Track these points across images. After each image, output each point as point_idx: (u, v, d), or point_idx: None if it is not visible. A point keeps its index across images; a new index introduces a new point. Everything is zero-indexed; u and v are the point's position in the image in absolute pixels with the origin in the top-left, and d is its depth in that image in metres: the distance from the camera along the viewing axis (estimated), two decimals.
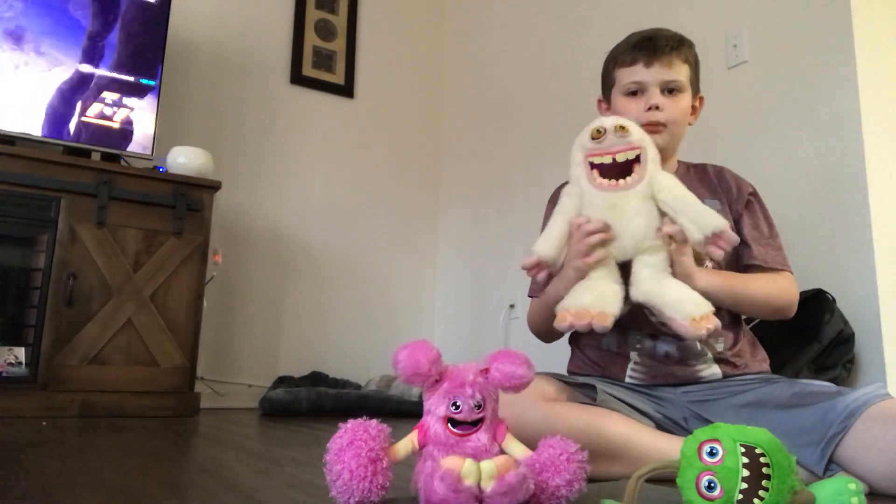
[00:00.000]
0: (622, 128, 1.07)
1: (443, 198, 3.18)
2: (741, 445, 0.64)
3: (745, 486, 0.62)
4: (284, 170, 2.81)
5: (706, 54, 1.91)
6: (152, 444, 1.35)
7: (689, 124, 1.25)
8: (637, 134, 1.08)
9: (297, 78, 2.88)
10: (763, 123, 1.78)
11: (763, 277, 1.17)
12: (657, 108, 1.16)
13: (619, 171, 1.07)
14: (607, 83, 1.27)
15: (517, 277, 2.57)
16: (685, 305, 0.98)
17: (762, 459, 0.63)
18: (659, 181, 1.06)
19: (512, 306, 2.58)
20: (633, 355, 1.17)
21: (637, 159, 1.06)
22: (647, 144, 1.07)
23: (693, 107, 1.24)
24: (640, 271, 1.04)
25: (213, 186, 2.23)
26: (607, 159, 1.07)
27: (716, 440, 0.65)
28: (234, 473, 1.01)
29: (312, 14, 2.96)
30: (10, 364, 1.89)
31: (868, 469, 0.89)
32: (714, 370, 1.14)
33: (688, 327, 0.96)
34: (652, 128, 1.16)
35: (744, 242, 1.19)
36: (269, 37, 2.86)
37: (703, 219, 1.00)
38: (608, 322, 0.99)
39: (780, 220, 1.63)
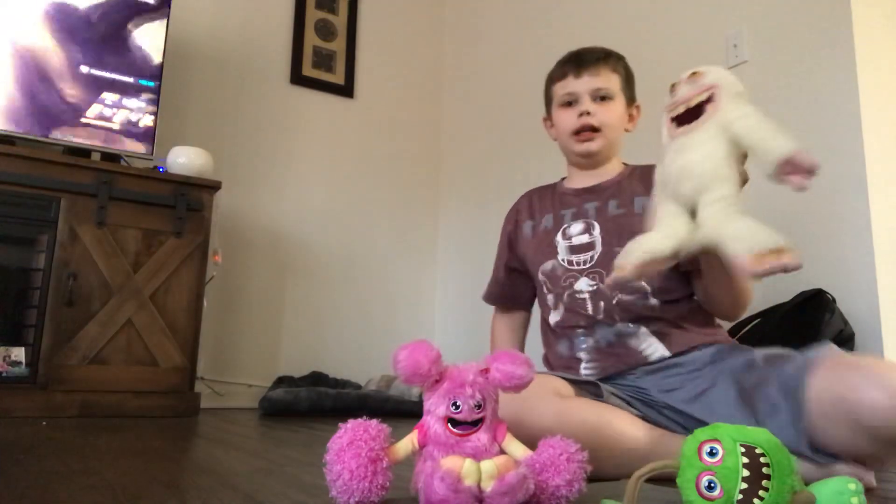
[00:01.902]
0: (695, 73, 1.00)
1: (443, 198, 3.18)
2: (741, 445, 0.64)
3: (745, 486, 0.62)
4: (284, 170, 2.81)
5: (706, 54, 1.92)
6: (152, 444, 1.35)
7: (627, 130, 1.32)
8: (712, 75, 0.99)
9: (297, 78, 2.88)
10: None
11: None
12: (588, 113, 1.24)
13: (693, 116, 0.98)
14: (548, 100, 1.36)
15: None
16: (755, 236, 0.87)
17: (762, 459, 0.63)
18: (730, 111, 0.95)
19: None
20: (582, 354, 1.21)
21: (710, 99, 0.97)
22: (724, 80, 0.98)
23: (630, 115, 1.31)
24: (702, 212, 0.92)
25: (213, 186, 2.23)
26: (681, 108, 1.00)
27: (716, 440, 0.65)
28: (234, 473, 1.01)
29: (312, 14, 2.96)
30: (10, 364, 1.89)
31: (833, 433, 0.90)
32: (657, 347, 1.15)
33: (745, 263, 0.85)
34: (586, 134, 1.25)
35: None
36: (269, 37, 2.86)
37: (767, 145, 0.89)
38: (624, 274, 0.94)
39: (779, 220, 1.63)
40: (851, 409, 0.87)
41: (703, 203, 0.92)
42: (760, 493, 0.61)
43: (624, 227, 1.20)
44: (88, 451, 1.19)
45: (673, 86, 1.02)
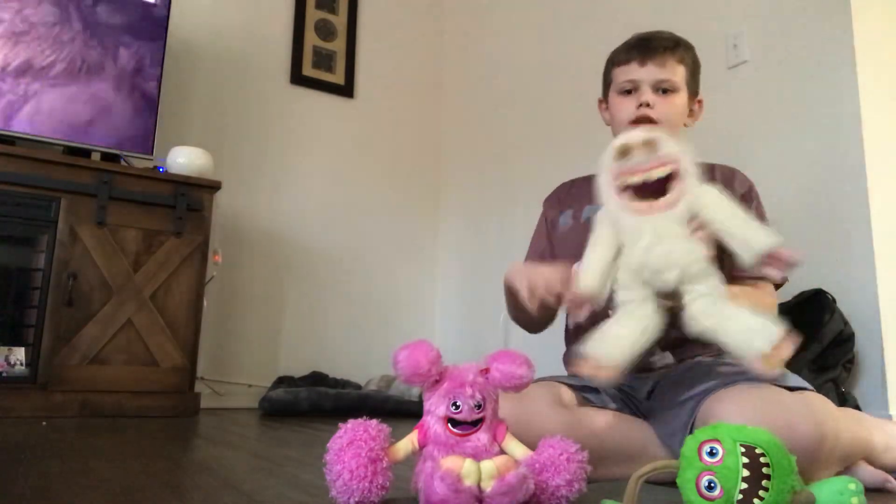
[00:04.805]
0: (650, 141, 0.96)
1: (443, 198, 3.18)
2: (741, 445, 0.64)
3: (745, 486, 0.62)
4: (284, 170, 2.81)
5: (706, 54, 1.91)
6: (152, 444, 1.35)
7: (686, 126, 1.25)
8: (669, 146, 0.97)
9: (297, 78, 2.88)
10: (763, 123, 1.78)
11: (761, 292, 1.14)
12: (647, 105, 1.17)
13: (653, 190, 0.95)
14: (606, 83, 1.30)
15: None
16: (752, 340, 0.86)
17: (762, 459, 0.63)
18: (700, 197, 0.94)
19: None
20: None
21: (672, 176, 0.95)
22: (683, 157, 0.96)
23: (691, 109, 1.24)
24: (693, 305, 0.91)
25: (213, 186, 2.23)
26: (638, 179, 0.96)
27: (716, 440, 0.65)
28: (234, 473, 1.01)
29: (312, 14, 2.96)
30: (11, 364, 1.89)
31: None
32: (666, 357, 1.15)
33: (762, 367, 0.84)
34: (644, 125, 1.16)
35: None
36: (269, 37, 2.86)
37: (752, 235, 0.90)
38: (613, 376, 0.91)
39: (780, 220, 1.63)
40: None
41: (692, 294, 0.91)
42: (760, 493, 0.61)
43: None
44: (88, 451, 1.19)
45: (623, 148, 0.98)
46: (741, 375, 0.96)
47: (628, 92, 1.21)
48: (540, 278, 1.01)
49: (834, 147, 1.60)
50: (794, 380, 0.99)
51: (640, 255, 0.94)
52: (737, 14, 1.89)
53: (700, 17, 2.00)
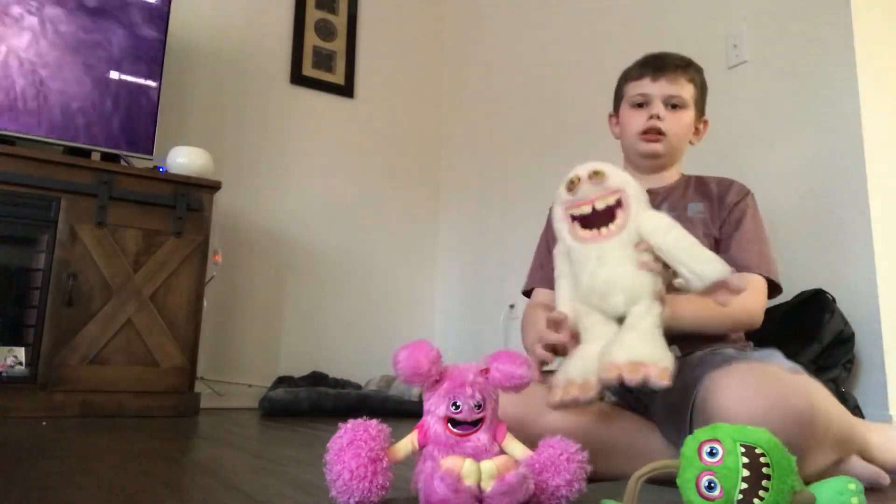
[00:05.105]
0: (597, 173, 1.00)
1: (443, 198, 3.18)
2: (741, 445, 0.64)
3: (745, 486, 0.62)
4: (284, 170, 2.81)
5: (706, 54, 1.91)
6: (152, 444, 1.35)
7: (692, 143, 1.31)
8: (615, 176, 1.01)
9: (297, 78, 2.88)
10: (763, 123, 1.78)
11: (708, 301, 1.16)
12: (658, 117, 1.23)
13: (600, 219, 1.00)
14: (617, 98, 1.35)
15: (517, 277, 2.57)
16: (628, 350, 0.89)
17: (762, 459, 0.63)
18: (647, 223, 0.97)
19: (512, 306, 2.58)
20: None
21: (619, 204, 0.99)
22: (628, 185, 1.01)
23: (697, 128, 1.30)
24: (626, 335, 0.92)
25: (213, 186, 2.23)
26: (586, 209, 1.01)
27: (716, 440, 0.65)
28: (234, 473, 1.01)
29: (312, 14, 2.96)
30: (11, 364, 1.89)
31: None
32: (672, 348, 1.16)
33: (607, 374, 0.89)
34: (652, 136, 1.23)
35: (727, 242, 1.20)
36: (269, 37, 2.86)
37: (701, 264, 0.92)
38: (592, 392, 0.93)
39: (780, 220, 1.63)
40: (708, 416, 0.88)
41: (627, 324, 0.94)
42: (760, 493, 0.61)
43: None
44: (88, 451, 1.19)
45: (571, 182, 1.01)
46: (738, 358, 0.99)
47: (639, 105, 1.27)
48: (534, 336, 1.05)
49: (834, 147, 1.60)
50: (789, 363, 1.00)
51: (587, 281, 0.99)
52: (737, 14, 1.88)
53: (700, 17, 1.99)
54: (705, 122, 1.32)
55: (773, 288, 1.17)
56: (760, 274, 1.16)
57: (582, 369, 0.94)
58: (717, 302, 0.92)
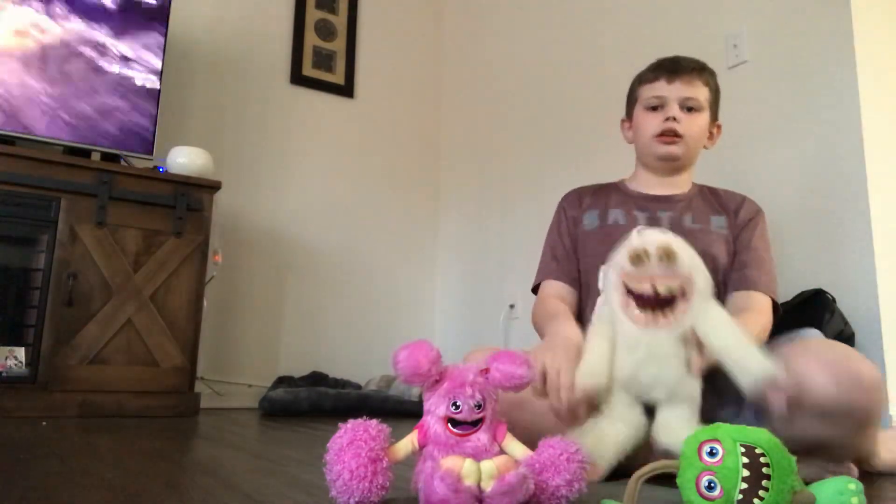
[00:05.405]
0: (668, 255, 0.93)
1: (443, 197, 3.18)
2: (741, 445, 0.64)
3: (745, 485, 0.62)
4: (284, 170, 2.81)
5: (706, 54, 1.91)
6: (152, 444, 1.35)
7: (706, 147, 1.30)
8: (687, 261, 0.94)
9: (297, 78, 2.88)
10: (763, 123, 1.78)
11: (753, 312, 1.17)
12: (675, 119, 1.22)
13: (659, 304, 0.93)
14: (630, 101, 1.34)
15: (517, 277, 2.57)
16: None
17: (762, 459, 0.63)
18: (705, 321, 0.93)
19: (512, 306, 2.58)
20: None
21: (682, 292, 0.93)
22: (697, 273, 0.94)
23: (710, 132, 1.29)
24: (670, 420, 0.92)
25: (213, 186, 2.23)
26: (647, 288, 0.93)
27: (716, 440, 0.65)
28: (234, 473, 1.01)
29: (312, 14, 2.96)
30: (10, 364, 1.89)
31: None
32: None
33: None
34: (669, 138, 1.23)
35: (740, 259, 1.22)
36: (269, 37, 2.86)
37: (753, 365, 0.89)
38: (599, 474, 0.93)
39: (780, 220, 1.63)
40: (800, 396, 0.90)
41: (670, 410, 0.94)
42: (760, 492, 0.61)
43: (700, 245, 1.13)
44: (88, 451, 1.19)
45: (637, 256, 0.94)
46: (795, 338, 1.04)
47: (654, 108, 1.26)
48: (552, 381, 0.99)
49: (834, 147, 1.60)
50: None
51: (630, 367, 0.95)
52: (737, 14, 1.88)
53: (700, 17, 1.99)
54: (719, 127, 1.31)
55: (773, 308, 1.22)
56: (768, 296, 1.19)
57: (594, 449, 0.91)
58: (771, 406, 0.88)
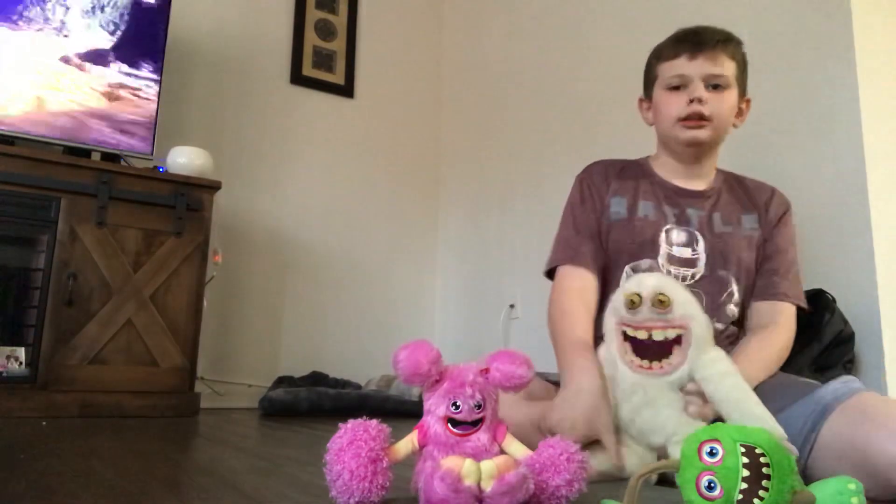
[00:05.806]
0: (662, 301, 0.92)
1: (443, 197, 3.18)
2: (741, 445, 0.64)
3: (745, 486, 0.62)
4: (284, 170, 2.81)
5: None
6: (152, 444, 1.35)
7: (735, 126, 1.20)
8: (681, 308, 0.93)
9: (297, 78, 2.88)
10: (762, 123, 1.78)
11: (777, 329, 1.13)
12: (700, 101, 1.12)
13: (655, 351, 0.93)
14: (649, 79, 1.23)
15: (517, 277, 2.58)
16: None
17: (762, 459, 0.63)
18: (703, 368, 0.92)
19: (512, 306, 2.58)
20: None
21: (678, 340, 0.92)
22: (694, 322, 0.93)
23: (739, 108, 1.19)
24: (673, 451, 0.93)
25: (213, 186, 2.23)
26: (642, 334, 0.93)
27: (716, 440, 0.65)
28: (234, 473, 1.01)
29: (312, 14, 2.96)
30: (11, 364, 1.89)
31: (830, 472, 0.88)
32: None
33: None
34: (695, 122, 1.13)
35: (769, 266, 1.17)
36: (269, 37, 2.86)
37: (750, 422, 0.86)
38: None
39: None
40: (866, 460, 0.85)
41: (674, 449, 0.93)
42: (760, 493, 0.61)
43: (730, 250, 1.12)
44: (88, 451, 1.19)
45: (631, 301, 0.94)
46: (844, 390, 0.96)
47: (676, 88, 1.15)
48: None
49: (834, 147, 1.60)
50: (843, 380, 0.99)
51: (628, 412, 0.96)
52: (737, 14, 1.88)
53: (699, 18, 1.99)
54: (748, 102, 1.21)
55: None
56: (795, 304, 1.15)
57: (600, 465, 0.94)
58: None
